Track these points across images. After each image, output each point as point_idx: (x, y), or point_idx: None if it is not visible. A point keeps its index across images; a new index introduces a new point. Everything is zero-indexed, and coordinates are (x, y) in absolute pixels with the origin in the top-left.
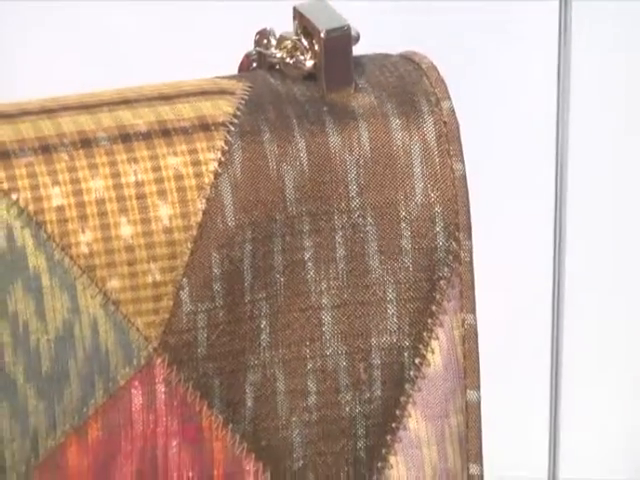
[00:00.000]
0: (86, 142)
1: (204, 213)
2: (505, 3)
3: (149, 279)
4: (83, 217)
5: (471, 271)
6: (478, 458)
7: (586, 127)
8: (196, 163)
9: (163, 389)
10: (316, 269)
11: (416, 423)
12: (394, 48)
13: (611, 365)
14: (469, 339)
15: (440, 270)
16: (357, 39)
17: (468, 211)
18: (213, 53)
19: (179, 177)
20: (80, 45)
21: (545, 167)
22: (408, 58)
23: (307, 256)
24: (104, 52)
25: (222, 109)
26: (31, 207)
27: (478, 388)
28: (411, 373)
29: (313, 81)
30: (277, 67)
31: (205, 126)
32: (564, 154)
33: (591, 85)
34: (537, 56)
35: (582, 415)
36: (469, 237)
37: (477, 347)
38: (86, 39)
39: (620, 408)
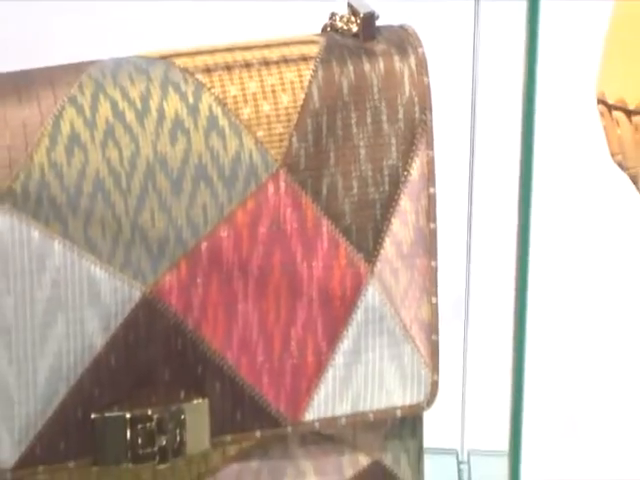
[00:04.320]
0: (247, 65)
1: (304, 100)
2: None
3: (277, 131)
4: (245, 101)
5: (431, 129)
6: (434, 219)
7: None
8: (300, 76)
9: (283, 184)
10: (357, 127)
11: (404, 202)
12: None
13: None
14: (430, 163)
15: (417, 129)
16: (377, 17)
17: (430, 101)
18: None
19: (291, 82)
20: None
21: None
22: (402, 26)
23: (353, 121)
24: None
25: (313, 50)
26: (221, 96)
27: (434, 186)
28: (402, 178)
29: (357, 38)
30: (339, 30)
31: (304, 58)
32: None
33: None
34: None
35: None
36: (431, 113)
37: (434, 164)
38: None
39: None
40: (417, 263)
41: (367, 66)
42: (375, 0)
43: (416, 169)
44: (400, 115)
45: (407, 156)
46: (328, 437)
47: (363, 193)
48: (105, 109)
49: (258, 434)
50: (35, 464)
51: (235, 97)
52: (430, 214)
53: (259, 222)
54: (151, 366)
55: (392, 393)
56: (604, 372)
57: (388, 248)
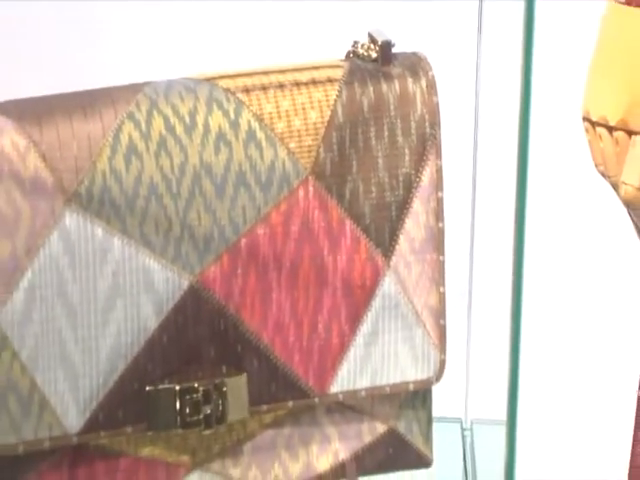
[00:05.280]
0: (281, 86)
1: (330, 116)
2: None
3: (306, 143)
4: (279, 117)
5: (440, 142)
6: (442, 219)
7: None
8: (327, 95)
9: (312, 189)
10: (375, 140)
11: (416, 205)
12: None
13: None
14: (438, 171)
15: (427, 142)
16: (393, 45)
17: (439, 117)
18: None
19: (319, 101)
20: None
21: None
22: (414, 53)
23: (372, 135)
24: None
25: (338, 73)
26: (258, 112)
27: (442, 190)
28: (414, 184)
29: (376, 62)
30: (360, 56)
31: (330, 80)
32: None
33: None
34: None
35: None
36: (439, 128)
37: (442, 172)
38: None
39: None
40: (427, 257)
41: (384, 87)
42: (384, 3)
43: (426, 176)
44: (413, 130)
45: (418, 165)
46: (350, 407)
47: (381, 197)
48: (158, 123)
49: (290, 404)
50: (97, 429)
51: (270, 113)
52: (438, 215)
53: (291, 221)
54: (197, 345)
55: (405, 370)
56: (596, 353)
57: (402, 244)
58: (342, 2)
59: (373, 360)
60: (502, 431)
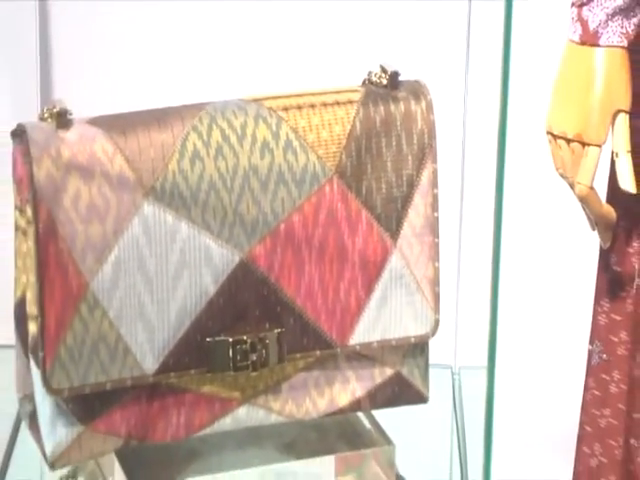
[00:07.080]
0: (312, 105)
1: (349, 130)
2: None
3: (332, 150)
4: (311, 130)
5: (435, 150)
6: (437, 210)
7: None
8: (347, 113)
9: (336, 186)
10: (385, 148)
11: (417, 199)
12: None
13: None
14: (434, 173)
15: (425, 150)
16: (399, 74)
17: (435, 131)
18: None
19: (342, 117)
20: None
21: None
22: (417, 81)
23: (382, 144)
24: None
25: (356, 96)
26: (294, 126)
27: (437, 188)
28: (415, 182)
29: (386, 88)
30: (373, 83)
31: (350, 101)
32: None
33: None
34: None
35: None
36: (435, 139)
37: (437, 176)
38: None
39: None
40: (426, 240)
41: (392, 107)
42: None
43: (425, 176)
44: (414, 141)
45: (419, 168)
46: (364, 356)
47: (389, 192)
48: (216, 134)
49: (318, 353)
50: (168, 371)
51: (304, 127)
52: (435, 207)
53: (319, 211)
54: (246, 307)
55: (408, 326)
56: (559, 315)
57: (406, 229)
58: (358, 40)
59: (383, 319)
60: (484, 375)
